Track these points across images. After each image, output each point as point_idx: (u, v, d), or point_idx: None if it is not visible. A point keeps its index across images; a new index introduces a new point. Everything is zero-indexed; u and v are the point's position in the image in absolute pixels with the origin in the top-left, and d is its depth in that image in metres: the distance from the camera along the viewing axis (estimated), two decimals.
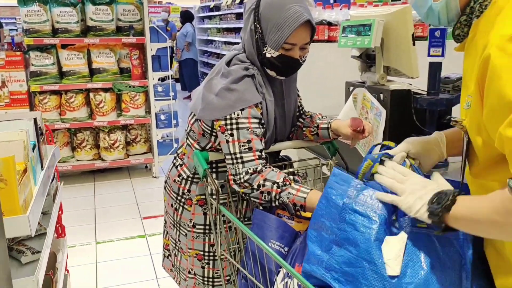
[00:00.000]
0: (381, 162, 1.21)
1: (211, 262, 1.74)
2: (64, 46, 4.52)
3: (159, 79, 4.97)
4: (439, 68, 1.78)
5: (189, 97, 9.44)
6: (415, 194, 1.05)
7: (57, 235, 2.03)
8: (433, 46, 1.76)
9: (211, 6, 9.91)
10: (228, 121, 1.50)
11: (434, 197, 1.02)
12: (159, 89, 4.81)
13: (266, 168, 1.50)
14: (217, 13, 9.38)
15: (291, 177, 1.50)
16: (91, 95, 4.63)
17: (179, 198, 1.75)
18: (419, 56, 1.81)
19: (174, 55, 9.51)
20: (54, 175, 1.87)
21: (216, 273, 1.74)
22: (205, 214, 1.71)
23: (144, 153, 4.99)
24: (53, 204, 1.70)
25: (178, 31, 9.80)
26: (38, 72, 4.43)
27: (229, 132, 1.50)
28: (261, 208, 1.77)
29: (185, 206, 1.73)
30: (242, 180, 1.49)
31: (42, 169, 1.49)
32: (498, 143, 0.88)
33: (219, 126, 1.53)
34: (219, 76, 1.58)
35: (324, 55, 2.71)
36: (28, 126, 1.42)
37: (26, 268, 1.23)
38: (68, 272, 2.30)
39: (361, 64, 2.02)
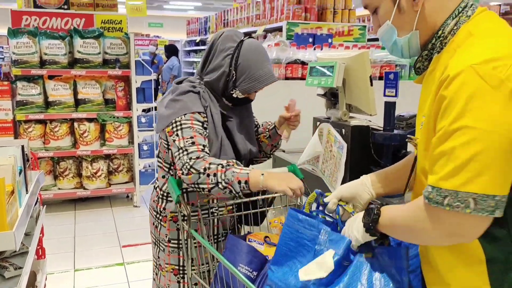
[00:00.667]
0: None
1: (185, 276, 1.85)
2: (51, 77, 4.67)
3: (143, 110, 5.13)
4: (394, 107, 1.97)
5: None
6: (351, 226, 1.24)
7: (37, 257, 2.12)
8: (388, 87, 1.95)
9: (197, 41, 10.20)
10: (174, 125, 1.69)
11: (364, 214, 1.20)
12: (143, 120, 4.96)
13: (208, 156, 1.67)
14: (202, 47, 9.67)
15: (233, 160, 1.67)
16: (75, 124, 4.75)
17: (157, 216, 1.90)
18: (379, 95, 2.00)
19: (159, 87, 9.72)
20: (38, 199, 1.98)
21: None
22: (178, 229, 1.84)
23: (126, 182, 5.08)
24: (36, 226, 1.81)
25: (165, 63, 10.05)
26: (24, 101, 4.55)
27: (175, 133, 1.68)
28: (231, 233, 1.90)
29: (162, 223, 1.88)
30: (189, 167, 1.59)
31: (27, 193, 1.61)
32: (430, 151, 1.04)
33: (168, 132, 1.71)
34: (170, 93, 1.81)
35: (297, 91, 2.89)
36: (16, 152, 1.55)
37: (8, 282, 1.33)
38: None
39: (326, 102, 2.20)
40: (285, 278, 1.31)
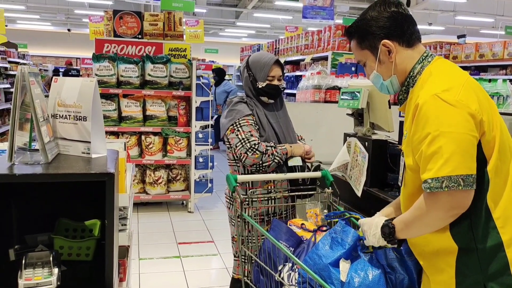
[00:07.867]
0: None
1: (250, 245, 2.38)
2: (125, 96, 5.43)
3: (200, 127, 5.79)
4: None
5: (217, 147, 10.24)
6: (370, 233, 1.65)
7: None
8: None
9: None
10: (234, 125, 2.37)
11: (381, 230, 1.61)
12: (200, 135, 5.62)
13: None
14: None
15: (271, 142, 2.41)
16: (142, 137, 5.47)
17: (230, 199, 2.55)
18: (396, 116, 2.49)
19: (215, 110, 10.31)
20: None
21: (252, 252, 2.36)
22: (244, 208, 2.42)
23: (182, 190, 5.72)
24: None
25: (211, 86, 10.66)
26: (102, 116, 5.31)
27: (237, 129, 2.36)
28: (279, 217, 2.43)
29: (233, 203, 2.50)
30: (254, 149, 2.28)
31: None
32: (418, 157, 1.48)
33: (229, 131, 2.37)
34: (227, 106, 2.52)
35: (332, 112, 3.42)
36: (120, 147, 2.16)
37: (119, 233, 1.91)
38: None
39: (354, 120, 2.71)
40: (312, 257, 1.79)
